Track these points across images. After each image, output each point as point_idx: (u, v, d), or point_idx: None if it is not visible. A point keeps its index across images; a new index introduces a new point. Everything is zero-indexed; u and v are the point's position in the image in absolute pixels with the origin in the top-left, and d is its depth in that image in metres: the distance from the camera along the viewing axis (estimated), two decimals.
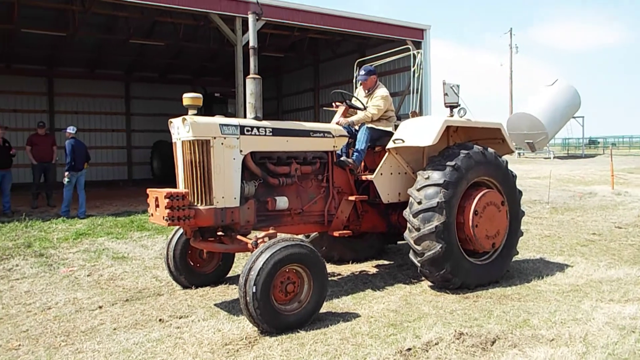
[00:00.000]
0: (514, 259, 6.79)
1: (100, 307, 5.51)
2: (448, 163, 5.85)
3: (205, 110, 19.84)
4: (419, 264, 5.82)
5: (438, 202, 5.65)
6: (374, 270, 7.08)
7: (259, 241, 5.03)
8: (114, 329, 4.83)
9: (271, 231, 5.16)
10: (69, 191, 11.33)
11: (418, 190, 5.84)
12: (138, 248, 8.45)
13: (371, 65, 7.25)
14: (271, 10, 13.93)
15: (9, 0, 14.37)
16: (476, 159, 6.03)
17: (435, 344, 4.29)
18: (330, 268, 7.13)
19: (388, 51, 7.88)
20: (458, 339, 4.36)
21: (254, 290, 4.44)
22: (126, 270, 7.08)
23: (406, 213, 5.89)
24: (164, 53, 20.83)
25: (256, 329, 4.68)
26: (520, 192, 6.65)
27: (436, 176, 5.80)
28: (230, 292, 6.00)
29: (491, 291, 5.88)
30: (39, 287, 6.30)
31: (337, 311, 5.27)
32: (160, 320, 5.07)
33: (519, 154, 38.07)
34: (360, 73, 7.01)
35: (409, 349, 4.18)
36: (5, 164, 12.07)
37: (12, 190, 12.29)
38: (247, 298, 4.48)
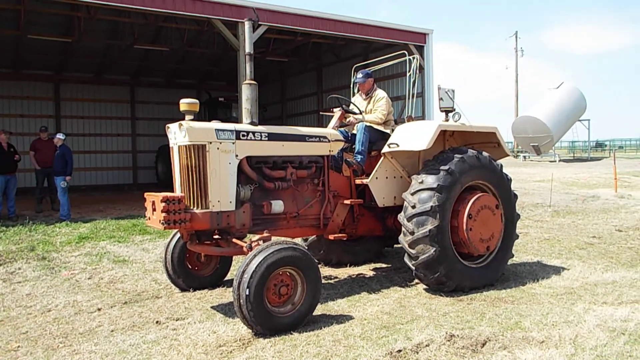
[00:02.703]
0: (510, 262, 6.83)
1: (99, 310, 5.60)
2: (442, 167, 5.91)
3: (210, 114, 20.02)
4: (413, 268, 5.89)
5: (432, 206, 5.71)
6: (371, 273, 7.14)
7: (253, 244, 5.08)
8: (112, 331, 4.92)
9: (265, 234, 5.22)
10: (66, 195, 11.67)
11: (412, 194, 5.90)
12: (139, 251, 8.55)
13: (369, 70, 7.36)
14: (275, 16, 14.06)
15: (16, 8, 14.59)
16: (470, 163, 6.08)
17: (426, 345, 4.34)
18: (327, 271, 7.20)
19: (384, 57, 7.98)
20: (449, 340, 4.41)
21: (247, 293, 4.51)
22: (126, 274, 7.17)
23: (401, 217, 5.96)
24: (169, 58, 21.01)
25: (250, 330, 4.75)
26: (515, 196, 6.68)
27: (430, 180, 5.86)
28: (227, 295, 6.07)
29: (485, 294, 5.92)
30: (40, 290, 6.41)
31: (331, 313, 5.33)
32: (157, 322, 5.15)
33: (524, 157, 37.95)
34: (358, 76, 7.13)
35: (400, 351, 4.24)
36: (10, 168, 12.25)
37: (16, 194, 12.47)
38: (241, 300, 4.55)
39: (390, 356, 4.17)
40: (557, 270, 6.97)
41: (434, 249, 5.68)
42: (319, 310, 5.39)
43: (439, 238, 5.72)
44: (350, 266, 7.50)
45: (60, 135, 12.23)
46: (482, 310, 5.30)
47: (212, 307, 5.63)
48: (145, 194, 5.42)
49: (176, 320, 5.19)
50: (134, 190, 20.12)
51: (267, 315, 4.65)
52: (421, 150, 6.16)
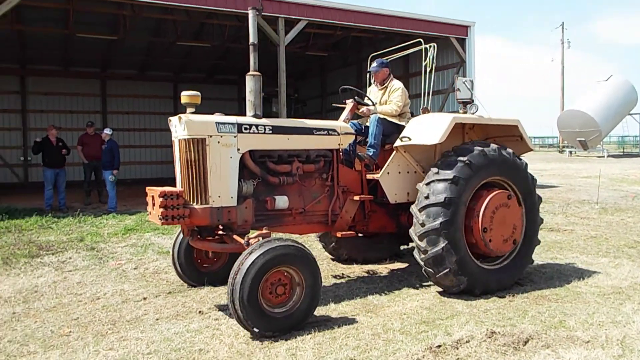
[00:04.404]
0: (553, 260, 6.69)
1: (144, 299, 5.78)
2: (460, 158, 5.60)
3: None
4: (422, 262, 5.57)
5: (445, 198, 5.40)
6: (410, 268, 7.10)
7: (251, 241, 4.90)
8: (157, 319, 5.08)
9: (264, 231, 5.00)
10: (114, 188, 12.10)
11: (427, 184, 5.62)
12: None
13: (385, 59, 6.95)
14: (314, 11, 14.11)
15: (65, 7, 15.14)
16: (491, 157, 5.74)
17: (466, 341, 4.31)
18: (366, 267, 7.20)
19: (400, 45, 7.46)
20: (490, 337, 4.36)
21: (241, 292, 4.35)
22: (170, 265, 7.34)
23: (413, 207, 5.67)
24: (210, 54, 21.36)
25: None
26: (539, 198, 6.27)
27: (446, 171, 5.56)
28: None
29: (528, 291, 5.80)
30: (89, 279, 6.67)
31: (370, 308, 5.34)
32: (199, 312, 5.29)
33: (570, 152, 36.80)
34: (372, 65, 6.78)
35: (439, 346, 4.22)
36: (59, 162, 12.75)
37: (66, 187, 12.97)
38: (235, 299, 4.39)
39: (429, 351, 4.16)
40: (605, 269, 6.76)
41: (445, 243, 5.36)
42: (358, 304, 5.42)
43: (451, 232, 5.40)
44: (364, 263, 7.26)
45: (107, 131, 12.64)
46: (525, 308, 5.21)
47: None
48: (147, 189, 5.27)
49: (218, 311, 5.31)
50: None
51: (262, 316, 4.48)
52: (436, 144, 5.85)
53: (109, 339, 4.60)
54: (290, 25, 14.02)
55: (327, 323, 4.88)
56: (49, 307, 5.54)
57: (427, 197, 5.51)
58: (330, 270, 6.94)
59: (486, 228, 5.64)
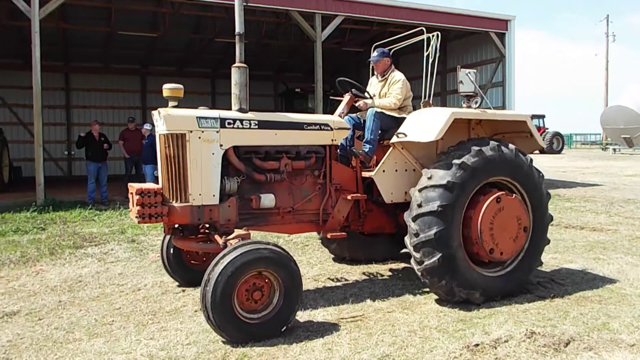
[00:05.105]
0: (596, 260, 6.49)
1: (183, 291, 5.90)
2: (455, 161, 5.16)
3: (287, 105, 20.38)
4: (418, 273, 5.21)
5: (439, 206, 4.98)
6: None
7: (228, 242, 4.66)
8: (195, 311, 5.17)
9: (243, 232, 4.78)
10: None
11: (420, 190, 5.20)
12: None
13: (388, 49, 6.57)
14: (351, 6, 14.08)
15: (107, 6, 15.56)
16: (490, 157, 5.28)
17: (505, 341, 4.24)
18: (402, 264, 7.15)
19: (402, 34, 7.04)
20: (529, 337, 4.28)
21: (214, 297, 4.17)
22: None
23: (406, 216, 5.27)
24: (247, 50, 21.43)
25: (327, 317, 4.84)
26: (548, 195, 5.81)
27: (439, 176, 5.12)
28: (310, 278, 6.20)
29: (569, 292, 5.65)
30: (130, 270, 6.86)
31: (406, 304, 5.31)
32: None
33: (614, 149, 35.63)
34: (373, 55, 6.42)
35: (477, 345, 4.17)
36: (101, 157, 13.13)
37: (108, 181, 13.35)
38: (207, 304, 4.21)
39: (467, 350, 4.11)
40: None
41: (440, 254, 4.98)
42: (394, 301, 5.40)
43: (447, 242, 5.01)
44: (368, 263, 7.01)
45: (147, 126, 12.94)
46: (566, 309, 5.08)
47: None
48: (129, 185, 5.08)
49: None
50: None
51: (235, 322, 4.29)
52: (431, 141, 5.39)
53: (150, 328, 4.73)
54: (327, 21, 14.03)
55: (363, 319, 4.88)
56: (93, 297, 5.73)
57: (420, 205, 5.11)
58: (365, 267, 6.92)
59: (485, 234, 5.22)
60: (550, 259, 7.09)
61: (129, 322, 4.92)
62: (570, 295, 5.53)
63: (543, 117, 36.76)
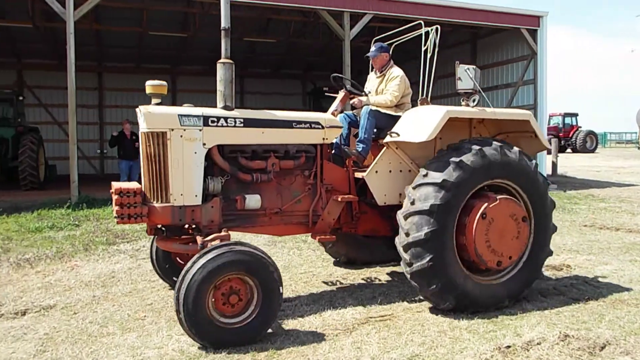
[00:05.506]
0: (632, 262, 6.31)
1: None
2: (452, 159, 4.90)
3: (314, 104, 20.39)
4: (407, 275, 4.95)
5: (431, 205, 4.73)
6: None
7: (205, 244, 4.53)
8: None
9: (223, 234, 4.65)
10: None
11: (414, 188, 4.96)
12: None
13: (386, 43, 6.35)
14: (379, 4, 14.00)
15: (139, 7, 15.85)
16: (490, 157, 4.98)
17: (537, 343, 4.16)
18: None
19: (400, 28, 6.74)
20: (563, 340, 4.19)
21: (186, 301, 4.06)
22: None
23: (399, 214, 5.02)
24: (275, 49, 21.68)
25: (357, 316, 4.83)
26: (552, 202, 5.50)
27: (435, 174, 4.88)
28: (333, 279, 6.22)
29: (604, 295, 5.51)
30: None
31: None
32: None
33: None
34: (371, 49, 6.18)
35: (508, 347, 4.10)
36: (133, 155, 13.39)
37: (139, 179, 13.57)
38: (180, 307, 4.10)
39: (498, 351, 4.05)
40: None
41: (430, 256, 4.72)
42: (424, 301, 5.35)
43: (438, 244, 4.75)
44: (365, 265, 6.82)
45: None
46: (601, 312, 4.96)
47: (318, 292, 5.79)
48: (112, 183, 4.91)
49: (284, 302, 5.38)
50: None
51: (209, 327, 4.15)
52: (424, 141, 5.07)
53: None
54: (355, 20, 13.99)
55: (392, 318, 4.86)
56: (125, 292, 5.85)
57: (412, 203, 4.87)
58: (392, 267, 6.89)
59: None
60: (585, 261, 6.94)
61: (161, 317, 5.00)
62: (605, 298, 5.41)
63: (576, 115, 35.94)
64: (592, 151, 34.88)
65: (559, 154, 20.98)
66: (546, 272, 6.47)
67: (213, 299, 4.21)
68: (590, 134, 35.82)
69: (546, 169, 16.84)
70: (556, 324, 4.64)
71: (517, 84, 17.13)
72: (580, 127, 35.52)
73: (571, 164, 24.22)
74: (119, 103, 22.58)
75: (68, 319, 4.99)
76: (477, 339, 4.34)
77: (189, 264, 4.20)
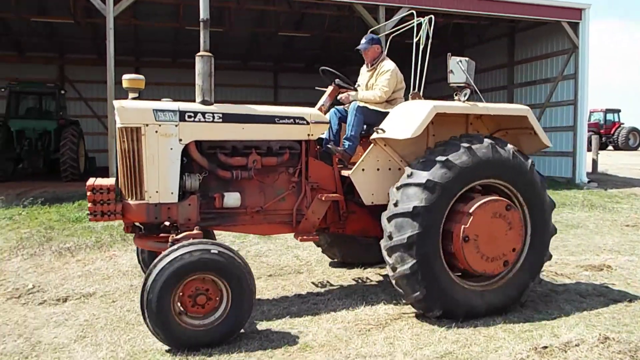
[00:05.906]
0: None
1: None
2: (439, 158, 4.65)
3: None
4: (393, 281, 4.71)
5: (415, 207, 4.49)
6: None
7: (175, 242, 4.37)
8: (258, 300, 5.28)
9: (195, 232, 4.53)
10: None
11: (398, 188, 4.74)
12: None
13: (377, 35, 6.14)
14: None
15: (176, 2, 16.11)
16: (481, 156, 4.71)
17: (576, 345, 4.06)
18: None
19: (394, 19, 6.29)
20: (602, 342, 4.07)
21: (150, 300, 3.96)
22: (270, 249, 7.63)
23: (383, 216, 4.80)
24: (310, 44, 21.69)
25: (387, 312, 4.81)
26: (551, 203, 5.20)
27: (420, 174, 4.64)
28: (365, 275, 6.21)
29: None
30: None
31: None
32: (298, 295, 5.45)
33: None
34: (362, 42, 5.91)
35: (545, 347, 4.01)
36: None
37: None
38: (144, 306, 4.00)
39: (534, 352, 3.97)
40: None
41: (414, 261, 4.48)
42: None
43: (422, 248, 4.50)
44: (361, 266, 6.61)
45: None
46: None
47: (350, 286, 5.80)
48: (89, 180, 4.80)
49: (317, 296, 5.43)
50: None
51: (174, 327, 4.04)
52: (410, 138, 4.81)
53: None
54: (390, 14, 13.85)
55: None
56: None
57: (395, 205, 4.66)
58: None
59: (468, 239, 4.64)
60: (626, 262, 6.74)
61: None
62: None
63: (618, 111, 34.75)
64: (635, 149, 33.69)
65: (600, 152, 20.36)
66: (585, 272, 6.32)
67: (178, 300, 4.11)
68: (634, 130, 34.56)
69: (586, 167, 16.37)
70: (596, 326, 4.52)
71: (556, 79, 16.67)
72: (622, 123, 34.35)
73: (613, 161, 23.47)
74: (156, 97, 22.90)
75: (107, 307, 5.14)
76: (512, 338, 4.26)
77: (153, 263, 4.12)
